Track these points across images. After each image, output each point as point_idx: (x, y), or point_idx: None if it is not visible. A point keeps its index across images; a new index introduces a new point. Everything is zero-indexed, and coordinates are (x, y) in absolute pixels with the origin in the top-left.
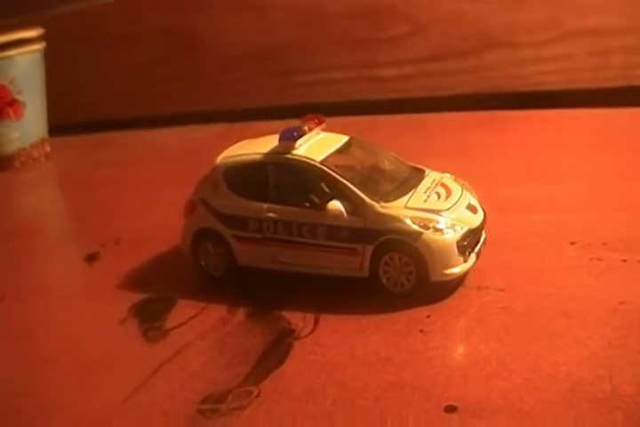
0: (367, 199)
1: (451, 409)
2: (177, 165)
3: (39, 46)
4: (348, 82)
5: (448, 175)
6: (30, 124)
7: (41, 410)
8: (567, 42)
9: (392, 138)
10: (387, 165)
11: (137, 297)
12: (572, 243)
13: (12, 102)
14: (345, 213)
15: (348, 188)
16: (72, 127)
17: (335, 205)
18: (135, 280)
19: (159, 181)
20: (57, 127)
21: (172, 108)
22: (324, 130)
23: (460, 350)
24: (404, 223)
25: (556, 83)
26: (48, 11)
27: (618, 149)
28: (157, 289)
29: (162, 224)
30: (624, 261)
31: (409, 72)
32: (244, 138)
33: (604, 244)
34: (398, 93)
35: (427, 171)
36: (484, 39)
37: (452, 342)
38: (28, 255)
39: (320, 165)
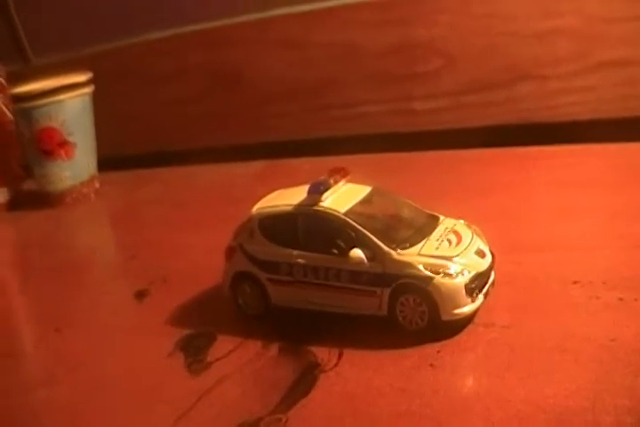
0: (385, 247)
1: None
2: (218, 204)
3: (88, 90)
4: (384, 115)
5: (461, 222)
6: (81, 164)
7: None
8: (594, 73)
9: (418, 176)
10: (405, 213)
11: (182, 332)
12: (575, 282)
13: (63, 143)
14: (365, 260)
15: (368, 237)
16: (120, 161)
17: (357, 252)
18: (180, 317)
19: (201, 221)
20: (105, 161)
21: (214, 142)
22: (350, 181)
23: (465, 383)
24: (417, 269)
25: (582, 113)
26: (94, 46)
27: (637, 186)
28: (201, 325)
29: (205, 263)
30: (621, 299)
31: (442, 105)
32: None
33: (604, 283)
34: (432, 126)
35: (441, 218)
36: (513, 72)
37: (459, 375)
38: (80, 289)
39: (344, 217)
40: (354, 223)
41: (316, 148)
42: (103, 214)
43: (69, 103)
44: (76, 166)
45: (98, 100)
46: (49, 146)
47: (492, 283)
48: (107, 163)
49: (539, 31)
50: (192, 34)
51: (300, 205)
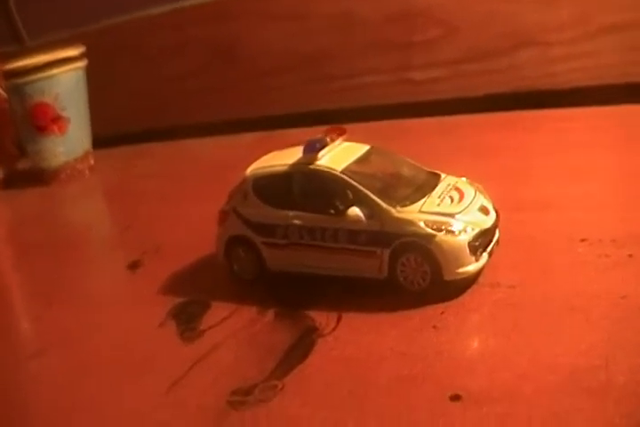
0: (384, 205)
1: (455, 398)
2: (212, 175)
3: (81, 64)
4: (383, 85)
5: (463, 179)
6: (74, 139)
7: (87, 405)
8: (596, 39)
9: (420, 141)
10: (405, 172)
11: (175, 301)
12: (583, 240)
13: (57, 118)
14: (364, 219)
15: (366, 195)
16: (114, 138)
17: (354, 211)
18: (173, 285)
19: (195, 192)
20: (99, 138)
21: (212, 116)
22: (347, 139)
23: (470, 344)
24: (418, 226)
25: (585, 79)
26: (89, 25)
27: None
28: (194, 293)
29: (198, 233)
30: (630, 256)
31: (442, 74)
32: (277, 147)
33: (614, 240)
34: (432, 95)
35: (442, 175)
36: (514, 39)
37: (463, 336)
38: (74, 264)
39: (340, 174)
40: (351, 181)
41: (316, 119)
42: (98, 190)
43: (62, 78)
44: (70, 142)
45: (94, 77)
46: (42, 121)
47: (497, 241)
48: (102, 140)
49: None
50: (190, 8)
51: (295, 164)
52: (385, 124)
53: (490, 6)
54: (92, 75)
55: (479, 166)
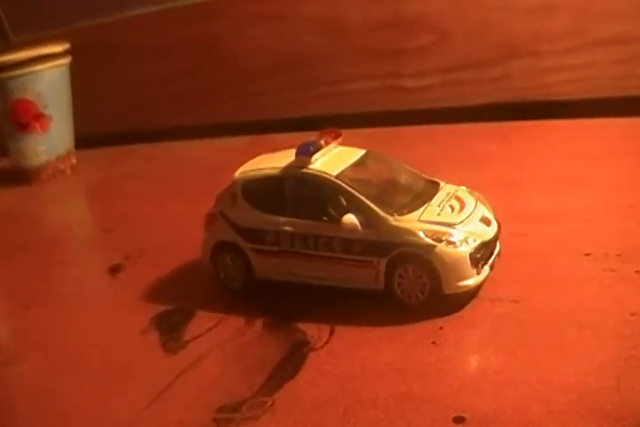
0: (381, 213)
1: (459, 420)
2: (200, 177)
3: (65, 61)
4: (373, 92)
5: (463, 188)
6: (57, 138)
7: (61, 413)
8: (590, 51)
9: (413, 149)
10: (402, 179)
11: (157, 308)
12: (587, 254)
13: (39, 116)
14: (359, 227)
15: (363, 202)
16: (98, 139)
17: (350, 218)
18: (156, 291)
19: (182, 194)
20: (83, 139)
21: (197, 119)
22: (341, 144)
23: (472, 361)
24: (417, 236)
25: (578, 92)
26: (75, 23)
27: (637, 158)
28: (178, 300)
29: (183, 236)
30: (637, 272)
31: (433, 82)
32: (266, 151)
33: (619, 255)
34: (422, 104)
35: (442, 184)
36: (508, 48)
37: (464, 353)
38: (52, 266)
39: (335, 180)
40: (347, 187)
41: (304, 125)
42: (80, 190)
43: (45, 74)
44: (52, 140)
45: (79, 77)
46: (24, 119)
47: (498, 254)
48: (85, 140)
49: (534, 6)
50: (177, 8)
51: (287, 168)
52: (376, 130)
53: (484, 14)
54: (77, 74)
55: (472, 176)
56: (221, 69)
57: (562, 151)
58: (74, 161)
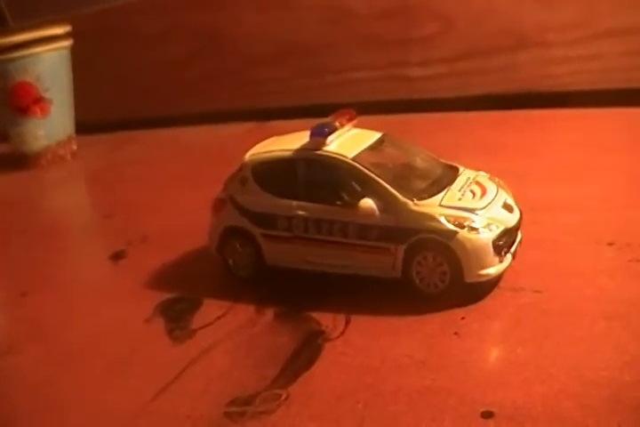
0: (400, 197)
1: (488, 415)
2: (203, 163)
3: (66, 43)
4: (378, 81)
5: (482, 173)
6: (57, 122)
7: (60, 405)
8: (599, 41)
9: (422, 136)
10: (419, 163)
11: (162, 296)
12: (610, 244)
13: (39, 100)
14: (377, 212)
15: (381, 185)
16: (98, 126)
17: (367, 202)
18: (161, 279)
19: (186, 179)
20: (83, 125)
21: (200, 106)
22: (356, 126)
23: (497, 353)
24: (438, 222)
25: (587, 83)
26: (76, 10)
27: None
28: (183, 288)
29: (189, 222)
30: None
31: (439, 71)
32: (272, 136)
33: None
34: (428, 93)
35: (461, 169)
36: (514, 38)
37: (488, 344)
38: (52, 252)
39: (352, 162)
40: (364, 169)
41: (307, 113)
42: (80, 176)
43: (46, 56)
44: (52, 125)
45: (79, 64)
46: (24, 102)
47: (520, 242)
48: (86, 127)
49: None
50: None
51: (300, 150)
52: (384, 118)
53: (489, 3)
54: (77, 61)
55: (485, 164)
56: (224, 56)
57: (571, 141)
58: (74, 147)
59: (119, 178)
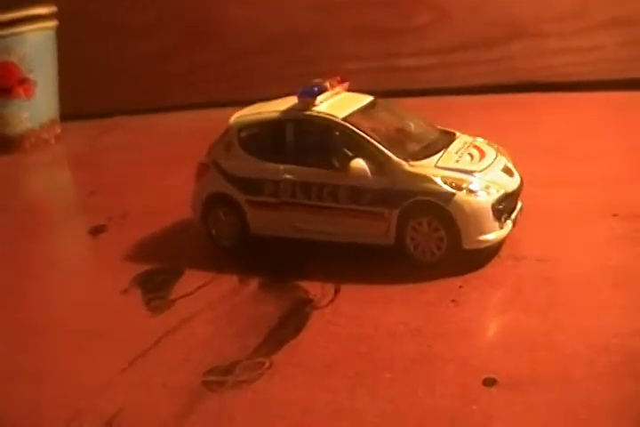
0: (394, 157)
1: (490, 382)
2: (188, 145)
3: (51, 24)
4: (370, 72)
5: (480, 139)
6: (41, 104)
7: (34, 375)
8: (596, 32)
9: None
10: (413, 128)
11: (141, 268)
12: (615, 215)
13: (23, 81)
14: (369, 173)
15: (373, 145)
16: (82, 113)
17: (359, 163)
18: (140, 252)
19: (171, 161)
20: (67, 112)
21: (186, 97)
22: (347, 91)
23: (499, 321)
24: (435, 183)
25: (583, 73)
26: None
27: None
28: (163, 260)
29: (170, 198)
30: None
31: (433, 62)
32: None
33: None
34: (421, 84)
35: (457, 134)
36: (510, 28)
37: (490, 312)
38: (31, 230)
39: (342, 122)
40: (355, 128)
41: None
42: (63, 159)
43: (30, 36)
44: (36, 107)
45: (65, 51)
46: (7, 83)
47: (521, 209)
48: (69, 116)
49: None
50: None
51: (288, 111)
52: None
53: None
54: (62, 47)
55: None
56: (212, 46)
57: (566, 123)
58: (58, 131)
59: (103, 161)
